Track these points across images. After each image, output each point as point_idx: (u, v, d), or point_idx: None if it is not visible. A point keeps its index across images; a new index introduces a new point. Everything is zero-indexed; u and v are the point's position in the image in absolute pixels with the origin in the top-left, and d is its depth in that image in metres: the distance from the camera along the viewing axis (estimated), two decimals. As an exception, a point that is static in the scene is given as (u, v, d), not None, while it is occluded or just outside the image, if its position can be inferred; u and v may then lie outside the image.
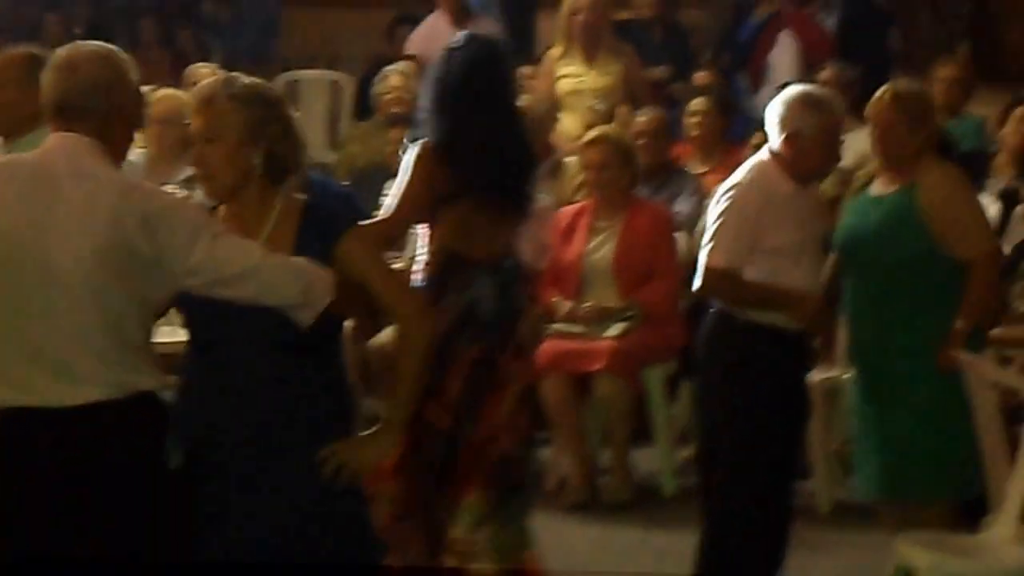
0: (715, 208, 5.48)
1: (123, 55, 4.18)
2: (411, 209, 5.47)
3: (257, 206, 4.23)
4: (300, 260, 4.13)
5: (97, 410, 3.96)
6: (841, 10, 9.71)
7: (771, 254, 5.38)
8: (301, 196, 4.30)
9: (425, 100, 5.72)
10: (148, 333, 4.11)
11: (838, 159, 5.65)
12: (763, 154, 5.50)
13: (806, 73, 9.47)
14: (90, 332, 3.96)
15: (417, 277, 5.73)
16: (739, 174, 5.49)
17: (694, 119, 8.32)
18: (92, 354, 3.96)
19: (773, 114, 5.46)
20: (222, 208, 4.27)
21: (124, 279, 3.97)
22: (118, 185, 4.01)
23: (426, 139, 5.59)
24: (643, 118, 7.97)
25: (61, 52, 4.15)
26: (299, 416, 4.18)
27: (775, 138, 5.43)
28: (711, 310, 5.62)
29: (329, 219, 4.29)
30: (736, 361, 5.44)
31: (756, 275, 5.41)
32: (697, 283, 5.51)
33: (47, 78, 4.10)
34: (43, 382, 3.96)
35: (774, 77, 9.58)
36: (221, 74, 4.43)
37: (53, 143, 4.07)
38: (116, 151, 4.11)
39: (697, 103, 8.37)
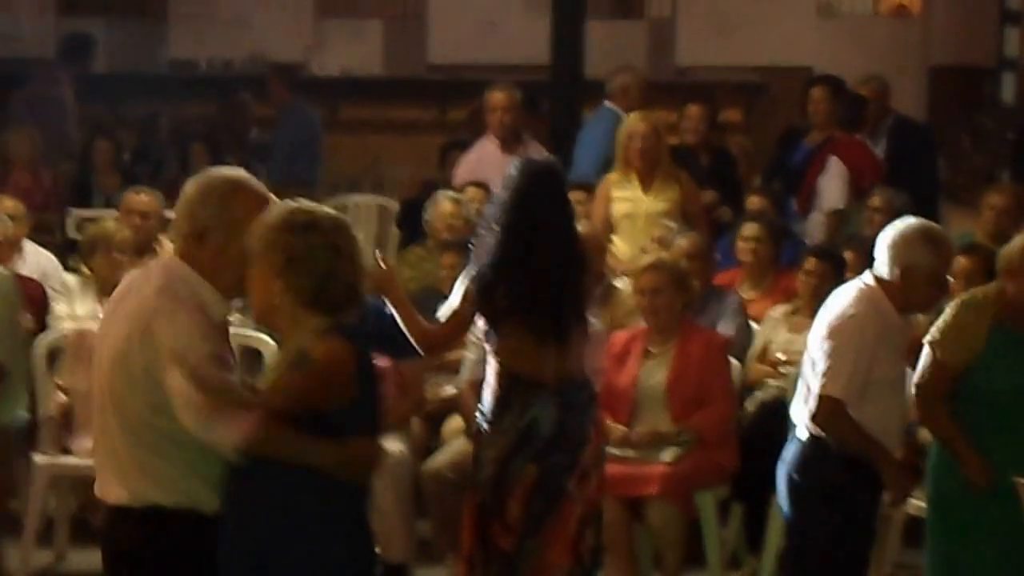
0: (823, 337, 5.49)
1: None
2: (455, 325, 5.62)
3: (290, 332, 4.25)
4: (232, 398, 4.15)
5: (121, 513, 4.24)
6: (888, 136, 9.75)
7: (878, 385, 5.42)
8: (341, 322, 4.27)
9: (485, 222, 5.81)
10: (180, 446, 4.19)
11: (945, 295, 5.70)
12: (867, 280, 5.53)
13: (855, 198, 9.55)
14: (114, 435, 4.22)
15: (484, 398, 5.81)
16: (845, 302, 5.51)
17: (747, 245, 8.36)
18: (115, 457, 4.23)
19: (888, 244, 5.50)
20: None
21: (134, 388, 4.18)
22: (149, 299, 4.22)
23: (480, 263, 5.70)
24: (685, 242, 8.02)
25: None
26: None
27: (885, 268, 5.47)
28: (803, 435, 5.61)
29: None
30: (832, 489, 5.47)
31: (865, 406, 5.47)
32: (810, 411, 5.50)
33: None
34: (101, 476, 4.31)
35: (823, 202, 9.64)
36: (286, 203, 4.40)
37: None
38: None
39: (750, 228, 8.41)
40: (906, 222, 5.62)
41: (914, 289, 5.47)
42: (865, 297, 5.50)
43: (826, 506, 5.52)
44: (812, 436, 5.56)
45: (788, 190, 9.91)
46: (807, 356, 5.66)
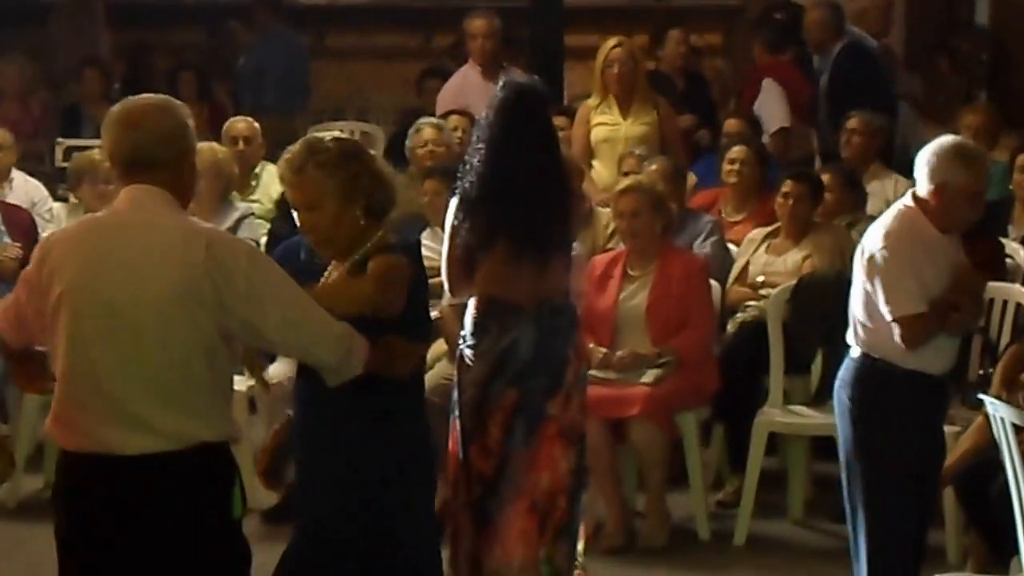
0: (868, 262, 5.48)
1: (180, 104, 4.26)
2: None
3: (349, 250, 4.51)
4: (345, 326, 4.24)
5: (154, 461, 4.03)
6: (836, 59, 9.79)
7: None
8: (393, 238, 4.54)
9: (471, 145, 5.86)
10: (220, 379, 4.16)
11: (982, 212, 5.68)
12: (906, 200, 5.54)
13: (796, 117, 9.68)
14: (156, 376, 4.02)
15: (465, 322, 5.88)
16: (886, 224, 5.50)
17: (732, 167, 8.40)
18: (157, 400, 4.02)
19: (923, 162, 5.49)
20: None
21: (189, 322, 4.03)
22: (184, 231, 4.08)
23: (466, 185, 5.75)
24: (655, 165, 8.07)
25: (120, 107, 4.20)
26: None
27: (923, 186, 5.49)
28: (857, 358, 5.60)
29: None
30: (899, 409, 5.50)
31: None
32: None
33: (111, 134, 4.16)
34: (106, 429, 4.04)
35: (767, 124, 9.71)
36: (306, 139, 4.62)
37: (124, 196, 4.15)
38: (183, 197, 4.19)
39: (737, 151, 8.44)
40: (940, 140, 5.54)
41: (951, 207, 5.44)
42: (904, 217, 5.46)
43: (896, 421, 5.51)
44: (865, 355, 5.55)
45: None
46: (855, 281, 5.59)
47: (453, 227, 5.86)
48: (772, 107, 9.80)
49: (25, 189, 8.79)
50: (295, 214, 4.59)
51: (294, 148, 4.55)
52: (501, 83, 5.95)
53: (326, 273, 4.56)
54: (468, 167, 5.83)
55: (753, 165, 8.40)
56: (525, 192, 5.76)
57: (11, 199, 8.56)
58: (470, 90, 9.65)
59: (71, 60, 11.64)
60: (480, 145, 5.80)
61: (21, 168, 8.99)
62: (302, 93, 11.79)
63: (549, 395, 5.74)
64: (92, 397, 4.06)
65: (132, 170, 4.13)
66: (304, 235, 4.58)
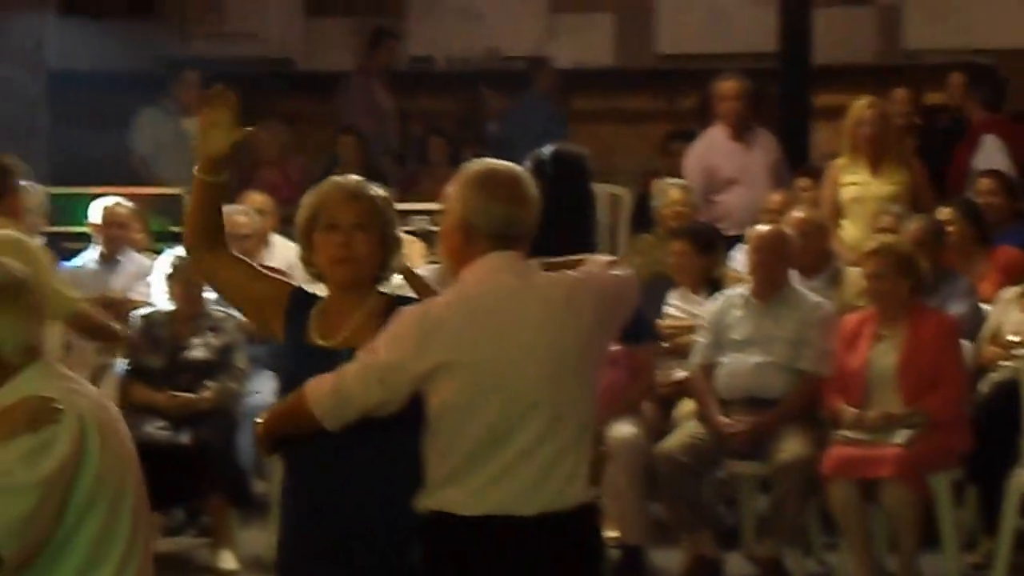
0: None
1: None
2: None
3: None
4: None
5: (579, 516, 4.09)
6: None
7: None
8: (388, 293, 4.36)
9: None
10: None
11: None
12: None
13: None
14: (570, 444, 4.05)
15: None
16: None
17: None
18: (568, 464, 4.05)
19: None
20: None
21: (583, 379, 4.10)
22: (561, 287, 4.11)
23: None
24: (915, 224, 8.03)
25: (492, 174, 4.16)
26: None
27: None
28: None
29: None
30: None
31: None
32: None
33: (478, 202, 4.12)
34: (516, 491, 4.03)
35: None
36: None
37: (495, 265, 4.12)
38: None
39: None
40: None
41: None
42: None
43: None
44: None
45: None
46: None
47: None
48: (995, 162, 9.66)
49: (284, 253, 9.04)
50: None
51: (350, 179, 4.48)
52: (548, 151, 5.95)
53: None
54: None
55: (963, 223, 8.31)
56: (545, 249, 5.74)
57: (270, 262, 8.81)
58: (717, 151, 9.68)
59: (363, 126, 11.92)
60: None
61: (280, 232, 9.26)
62: None
63: None
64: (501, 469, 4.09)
65: (506, 239, 4.13)
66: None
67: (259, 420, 4.24)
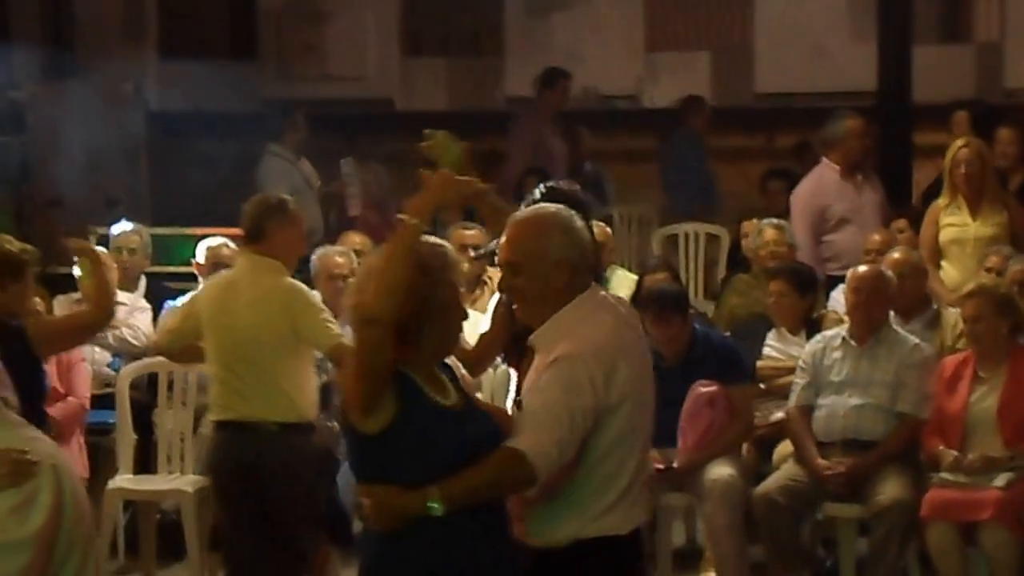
0: None
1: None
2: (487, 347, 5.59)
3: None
4: None
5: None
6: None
7: None
8: None
9: None
10: None
11: None
12: None
13: None
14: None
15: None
16: None
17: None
18: None
19: None
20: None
21: None
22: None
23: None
24: (1018, 266, 7.97)
25: (568, 214, 4.41)
26: None
27: None
28: None
29: None
30: None
31: None
32: None
33: (573, 238, 4.35)
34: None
35: None
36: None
37: (598, 301, 4.50)
38: None
39: None
40: None
41: None
42: None
43: None
44: None
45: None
46: None
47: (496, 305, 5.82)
48: None
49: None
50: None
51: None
52: (542, 188, 5.92)
53: None
54: None
55: None
56: None
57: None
58: (828, 190, 9.56)
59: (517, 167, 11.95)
60: None
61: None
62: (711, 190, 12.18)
63: None
64: None
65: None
66: None
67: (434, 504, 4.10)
